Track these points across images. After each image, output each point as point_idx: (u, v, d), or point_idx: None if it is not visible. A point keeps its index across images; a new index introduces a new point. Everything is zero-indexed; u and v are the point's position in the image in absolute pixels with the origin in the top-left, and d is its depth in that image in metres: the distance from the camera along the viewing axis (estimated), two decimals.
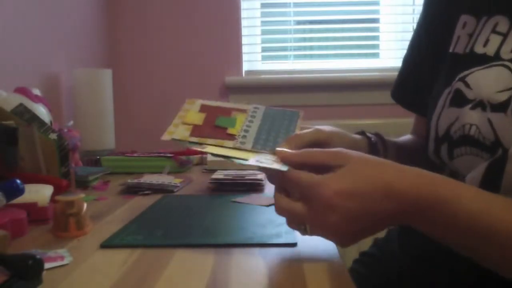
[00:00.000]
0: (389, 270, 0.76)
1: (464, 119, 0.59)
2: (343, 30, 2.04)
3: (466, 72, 0.61)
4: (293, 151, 0.57)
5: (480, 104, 0.58)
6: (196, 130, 0.66)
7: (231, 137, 0.66)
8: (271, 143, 0.64)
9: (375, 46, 2.02)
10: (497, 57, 0.58)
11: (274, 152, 0.60)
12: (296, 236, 0.61)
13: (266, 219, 0.71)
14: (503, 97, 0.56)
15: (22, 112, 0.88)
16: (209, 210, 0.78)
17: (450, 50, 0.66)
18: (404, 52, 0.81)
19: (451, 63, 0.66)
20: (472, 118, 0.58)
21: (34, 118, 0.89)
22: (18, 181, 0.65)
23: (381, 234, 0.87)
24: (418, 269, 0.69)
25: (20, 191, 0.65)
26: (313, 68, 1.95)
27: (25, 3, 1.25)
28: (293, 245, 0.58)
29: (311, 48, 2.08)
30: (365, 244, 0.88)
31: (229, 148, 0.64)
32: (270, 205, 0.80)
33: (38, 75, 1.32)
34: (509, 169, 0.54)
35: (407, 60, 0.79)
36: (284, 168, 0.55)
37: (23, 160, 0.84)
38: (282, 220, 0.69)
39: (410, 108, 0.80)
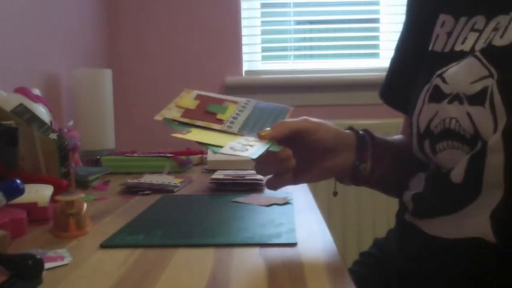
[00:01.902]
0: (389, 270, 0.76)
1: (444, 114, 0.61)
2: (343, 30, 2.04)
3: (444, 69, 0.63)
4: None
5: (456, 98, 0.59)
6: (188, 113, 0.68)
7: (220, 121, 0.67)
8: (257, 129, 0.65)
9: (375, 46, 2.02)
10: (472, 51, 0.60)
11: (258, 134, 0.62)
12: (296, 236, 0.61)
13: (266, 219, 0.71)
14: (476, 88, 0.57)
15: (22, 112, 0.88)
16: (209, 210, 0.78)
17: (430, 49, 0.68)
18: None
19: (430, 61, 0.67)
20: (451, 111, 0.59)
21: (34, 118, 0.89)
22: (18, 181, 0.65)
23: (381, 234, 0.87)
24: (417, 268, 0.69)
25: (20, 191, 0.65)
26: (313, 68, 1.96)
27: (25, 3, 1.25)
28: (293, 245, 0.58)
29: (311, 48, 2.08)
30: (366, 244, 0.89)
31: (215, 131, 0.65)
32: (270, 205, 0.80)
33: (38, 75, 1.32)
34: (489, 162, 0.55)
35: (394, 61, 0.80)
36: (254, 155, 0.57)
37: (23, 160, 0.84)
38: (282, 220, 0.70)
39: (397, 108, 0.80)
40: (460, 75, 0.60)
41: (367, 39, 2.04)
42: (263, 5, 1.96)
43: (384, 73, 0.83)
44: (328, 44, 2.03)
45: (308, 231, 0.65)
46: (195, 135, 0.63)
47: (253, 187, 0.95)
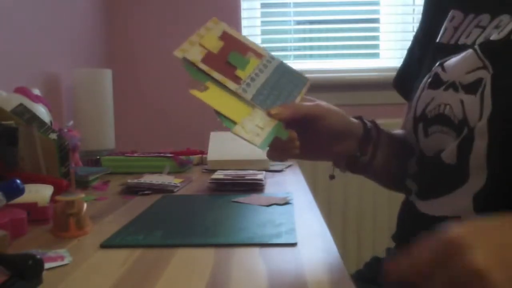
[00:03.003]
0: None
1: (439, 100, 0.65)
2: (343, 30, 2.04)
3: (446, 59, 0.67)
4: None
5: (452, 85, 0.64)
6: (208, 58, 0.66)
7: (237, 79, 0.66)
8: (270, 101, 0.65)
9: (375, 46, 2.02)
10: (472, 45, 0.64)
11: (268, 112, 0.63)
12: (296, 236, 0.62)
13: (266, 219, 0.71)
14: (471, 78, 0.61)
15: (22, 112, 0.88)
16: (209, 210, 0.78)
17: (437, 40, 0.72)
18: (404, 52, 0.85)
19: (436, 52, 0.71)
20: (446, 98, 0.64)
21: (34, 118, 0.89)
22: (18, 181, 0.65)
23: (382, 234, 0.87)
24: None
25: (20, 191, 0.65)
26: (313, 68, 1.95)
27: (25, 3, 1.25)
28: (293, 245, 0.58)
29: (311, 48, 2.08)
30: (366, 244, 0.89)
31: (230, 91, 0.64)
32: (270, 205, 0.80)
33: (38, 75, 1.32)
34: (476, 146, 0.59)
35: (409, 50, 0.84)
36: (263, 147, 0.58)
37: (23, 160, 0.84)
38: (282, 220, 0.70)
39: (405, 96, 0.83)
40: (458, 65, 0.64)
41: (367, 39, 2.04)
42: (263, 5, 1.96)
43: (384, 73, 0.85)
44: (328, 44, 2.03)
45: (308, 231, 0.65)
46: (212, 98, 0.61)
47: (253, 187, 0.95)
